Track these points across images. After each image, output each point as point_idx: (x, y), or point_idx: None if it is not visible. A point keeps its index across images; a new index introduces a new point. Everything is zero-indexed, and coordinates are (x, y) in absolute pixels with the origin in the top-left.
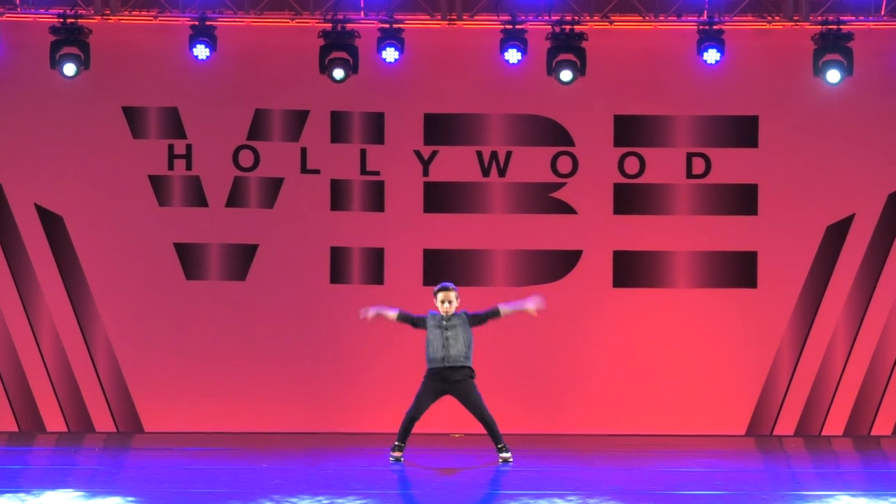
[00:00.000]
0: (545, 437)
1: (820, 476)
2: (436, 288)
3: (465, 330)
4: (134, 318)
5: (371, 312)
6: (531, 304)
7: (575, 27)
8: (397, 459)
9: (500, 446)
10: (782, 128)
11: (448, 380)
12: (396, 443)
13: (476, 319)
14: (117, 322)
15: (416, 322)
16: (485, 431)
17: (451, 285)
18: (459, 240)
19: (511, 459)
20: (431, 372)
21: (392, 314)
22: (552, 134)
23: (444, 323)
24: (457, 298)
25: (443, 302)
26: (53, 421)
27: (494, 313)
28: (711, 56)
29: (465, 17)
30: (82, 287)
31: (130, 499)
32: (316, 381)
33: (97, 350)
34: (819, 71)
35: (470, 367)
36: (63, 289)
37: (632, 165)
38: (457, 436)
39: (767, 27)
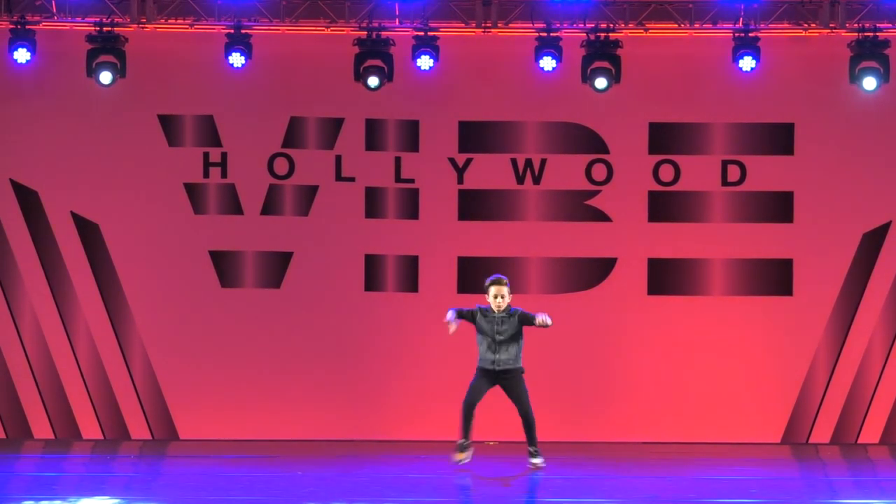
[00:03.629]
0: (580, 445)
1: (857, 484)
2: (488, 281)
3: (517, 331)
4: (169, 325)
5: (453, 325)
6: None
7: (610, 35)
8: (463, 461)
9: (532, 449)
10: (818, 135)
11: (499, 376)
12: (460, 440)
13: (527, 319)
14: (153, 330)
15: (468, 317)
16: (522, 438)
17: (503, 278)
18: (494, 247)
19: (541, 466)
20: (482, 369)
21: (452, 317)
22: (587, 141)
23: (496, 319)
24: (509, 293)
25: (495, 296)
26: (89, 428)
27: (532, 320)
28: (747, 63)
29: (499, 25)
30: (118, 295)
31: None
32: (351, 388)
33: (133, 358)
34: (855, 78)
35: (520, 368)
36: (99, 296)
37: (667, 173)
38: (492, 443)
39: (803, 34)
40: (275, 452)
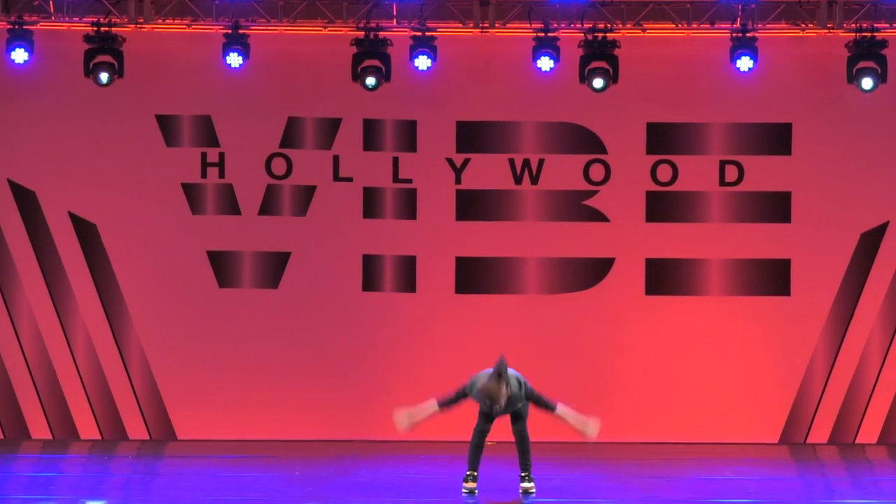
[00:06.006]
0: (577, 445)
1: (854, 484)
2: (483, 385)
3: (521, 409)
4: (167, 325)
5: (405, 422)
6: (591, 428)
7: (607, 35)
8: (471, 491)
9: (524, 475)
10: (816, 135)
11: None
12: (468, 472)
13: (534, 401)
14: (150, 330)
15: (461, 399)
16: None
17: (501, 379)
18: (492, 247)
19: (533, 491)
20: (485, 414)
21: (431, 406)
22: (584, 142)
23: (495, 409)
24: (508, 387)
25: (491, 402)
26: (87, 429)
27: (549, 408)
28: (744, 63)
29: (497, 25)
30: (115, 295)
31: None
32: (349, 388)
33: (130, 358)
34: (853, 78)
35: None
36: (96, 297)
37: (664, 173)
38: (490, 443)
39: (801, 34)
40: (273, 452)
